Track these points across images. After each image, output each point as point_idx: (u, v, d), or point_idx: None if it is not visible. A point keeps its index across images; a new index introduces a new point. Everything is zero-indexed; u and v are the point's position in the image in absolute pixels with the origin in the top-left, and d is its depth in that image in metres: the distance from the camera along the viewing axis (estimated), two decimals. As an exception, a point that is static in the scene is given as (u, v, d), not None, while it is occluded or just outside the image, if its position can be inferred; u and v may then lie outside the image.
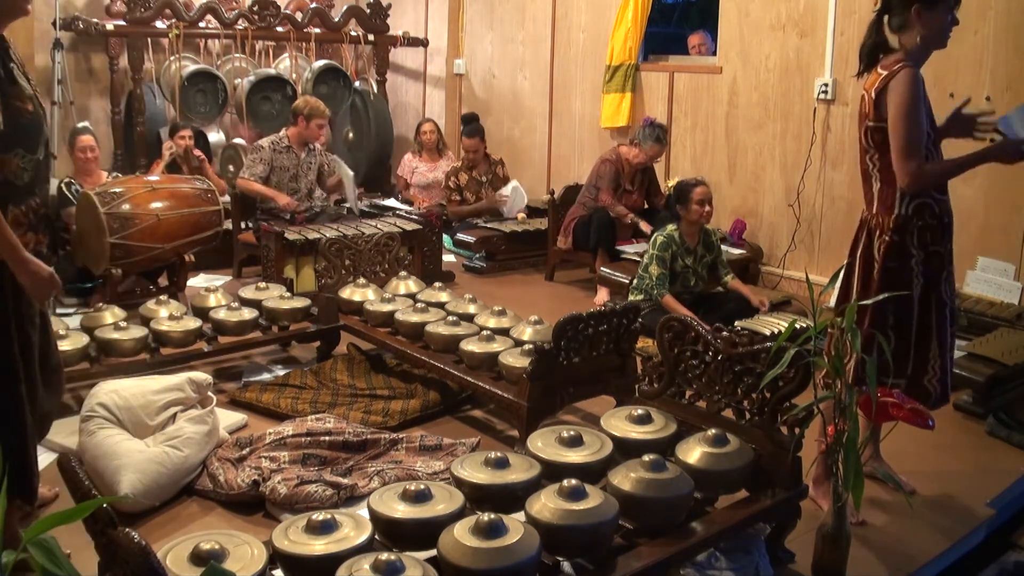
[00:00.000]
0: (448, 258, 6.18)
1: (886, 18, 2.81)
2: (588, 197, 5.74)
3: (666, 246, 4.48)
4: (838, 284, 2.93)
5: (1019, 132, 2.76)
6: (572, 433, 2.55)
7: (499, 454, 2.42)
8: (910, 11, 2.72)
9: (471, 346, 3.56)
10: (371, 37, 7.75)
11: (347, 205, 5.92)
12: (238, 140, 7.23)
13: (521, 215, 6.65)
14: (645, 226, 5.54)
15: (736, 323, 4.08)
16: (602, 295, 5.43)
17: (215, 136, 7.29)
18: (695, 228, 4.55)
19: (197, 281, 5.41)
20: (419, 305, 4.02)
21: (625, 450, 2.55)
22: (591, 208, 5.64)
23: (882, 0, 2.82)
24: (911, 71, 2.69)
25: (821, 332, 2.47)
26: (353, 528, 2.12)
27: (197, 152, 6.11)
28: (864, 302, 2.69)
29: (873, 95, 2.76)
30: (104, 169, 5.74)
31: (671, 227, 4.56)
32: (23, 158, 2.36)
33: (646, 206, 5.91)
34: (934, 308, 2.81)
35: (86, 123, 5.78)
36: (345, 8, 7.57)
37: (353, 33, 7.60)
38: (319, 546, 2.04)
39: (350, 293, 4.32)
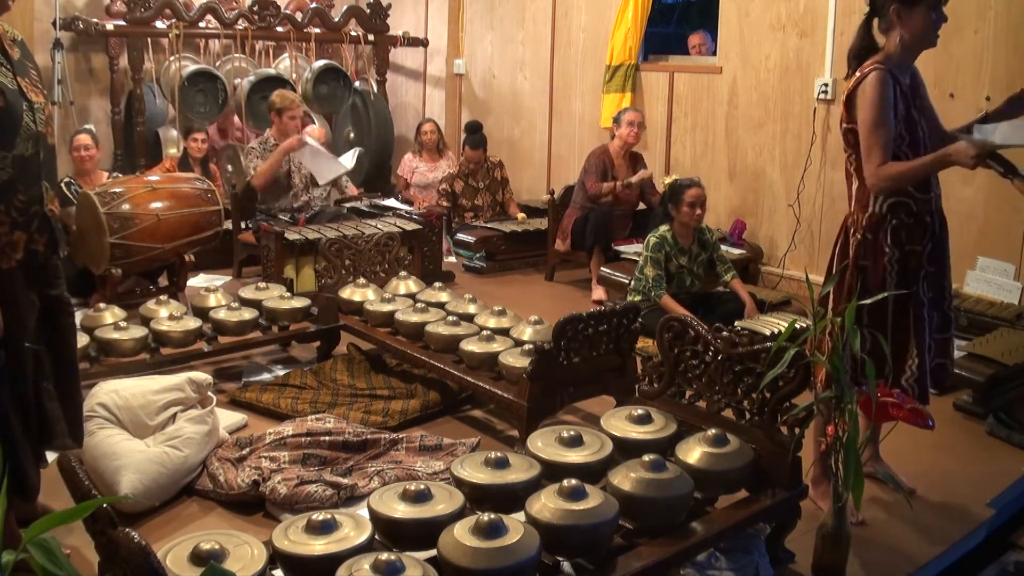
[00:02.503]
0: (448, 258, 6.19)
1: (875, 21, 2.82)
2: (580, 197, 5.76)
3: (659, 247, 4.47)
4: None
5: (988, 136, 2.69)
6: (572, 433, 2.55)
7: (499, 454, 2.42)
8: (890, 11, 2.73)
9: (471, 346, 3.56)
10: (371, 37, 7.74)
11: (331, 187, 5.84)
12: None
13: (521, 215, 6.65)
14: (634, 178, 5.62)
15: (736, 323, 4.08)
16: (599, 295, 5.43)
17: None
18: (688, 229, 4.54)
19: (197, 281, 5.41)
20: (419, 305, 4.02)
21: (625, 450, 2.55)
22: (587, 208, 5.65)
23: (869, 2, 2.83)
24: (879, 73, 2.72)
25: (822, 332, 2.47)
26: (353, 528, 2.11)
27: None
28: (863, 302, 2.68)
29: (845, 97, 2.81)
30: (105, 169, 5.74)
31: (663, 228, 4.54)
32: None
33: (641, 205, 5.91)
34: (911, 308, 2.79)
35: (89, 125, 5.79)
36: (345, 8, 7.57)
37: (353, 33, 7.60)
38: (319, 546, 2.04)
39: (350, 293, 4.32)
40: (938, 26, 2.74)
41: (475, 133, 6.76)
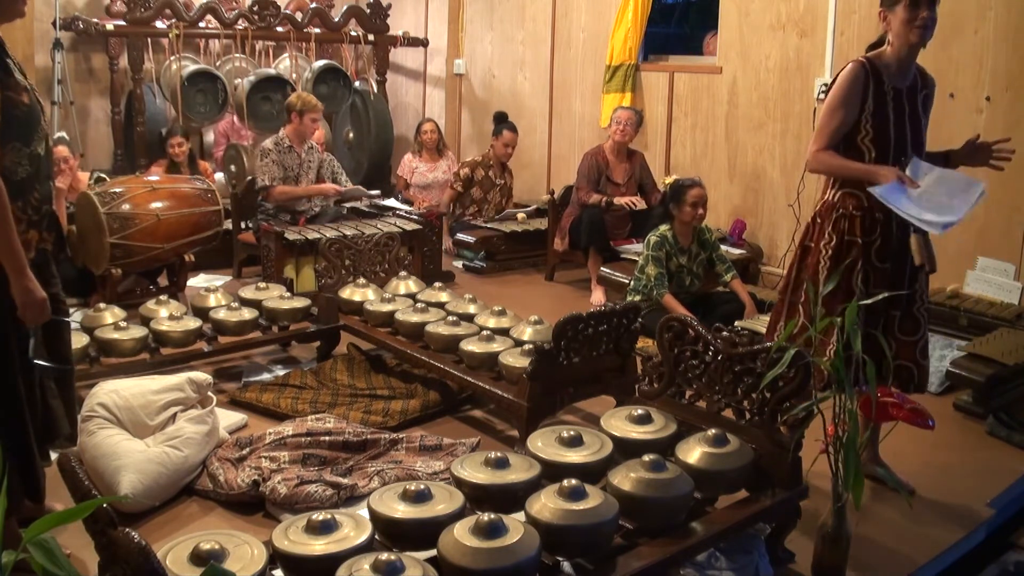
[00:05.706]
0: (455, 262, 6.23)
1: None
2: (576, 198, 5.76)
3: (659, 245, 4.47)
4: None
5: (918, 176, 2.75)
6: (572, 433, 2.55)
7: (499, 454, 2.42)
8: (879, 11, 2.86)
9: (471, 346, 3.56)
10: (371, 37, 7.74)
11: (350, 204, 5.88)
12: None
13: (521, 215, 6.64)
14: (621, 200, 5.60)
15: (736, 323, 4.08)
16: (598, 295, 5.43)
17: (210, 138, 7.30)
18: (688, 228, 4.54)
19: (197, 281, 5.41)
20: (419, 305, 4.02)
21: (625, 450, 2.55)
22: (582, 208, 5.65)
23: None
24: (852, 66, 2.84)
25: (822, 332, 2.47)
26: (353, 528, 2.11)
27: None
28: (864, 302, 2.69)
29: None
30: (100, 170, 5.70)
31: (663, 227, 4.53)
32: (18, 152, 2.31)
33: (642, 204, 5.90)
34: (841, 295, 2.81)
35: (62, 133, 5.62)
36: (345, 8, 7.57)
37: (353, 33, 7.60)
38: (319, 546, 2.04)
39: (350, 293, 4.32)
40: (921, 24, 2.75)
41: (506, 120, 6.75)
